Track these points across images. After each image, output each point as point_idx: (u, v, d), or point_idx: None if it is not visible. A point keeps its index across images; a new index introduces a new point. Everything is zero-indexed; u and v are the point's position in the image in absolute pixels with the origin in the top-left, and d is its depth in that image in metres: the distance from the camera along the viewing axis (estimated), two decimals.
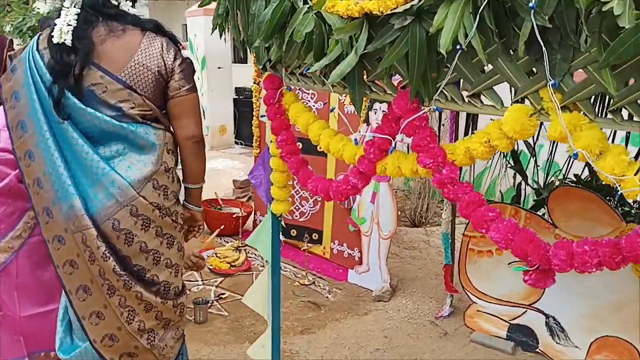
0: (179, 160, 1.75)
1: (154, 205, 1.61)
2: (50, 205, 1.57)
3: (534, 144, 2.82)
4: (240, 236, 3.92)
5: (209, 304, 2.94)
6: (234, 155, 6.97)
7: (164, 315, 1.71)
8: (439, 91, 1.18)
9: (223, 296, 3.12)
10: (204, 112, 7.83)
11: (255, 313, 2.93)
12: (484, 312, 2.77)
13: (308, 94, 3.56)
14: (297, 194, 3.73)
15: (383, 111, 3.06)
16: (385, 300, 3.10)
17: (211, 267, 3.46)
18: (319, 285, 3.32)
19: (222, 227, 3.90)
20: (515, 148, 2.93)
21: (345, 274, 3.43)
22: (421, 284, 3.32)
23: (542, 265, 1.03)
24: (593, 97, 1.10)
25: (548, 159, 2.84)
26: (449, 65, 1.13)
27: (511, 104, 1.07)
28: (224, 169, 6.25)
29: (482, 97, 1.16)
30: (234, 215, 3.94)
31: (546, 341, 2.55)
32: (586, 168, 2.66)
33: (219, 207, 4.22)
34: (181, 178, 1.78)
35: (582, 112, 0.99)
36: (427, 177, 1.26)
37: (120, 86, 1.55)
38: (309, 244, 3.45)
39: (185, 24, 7.82)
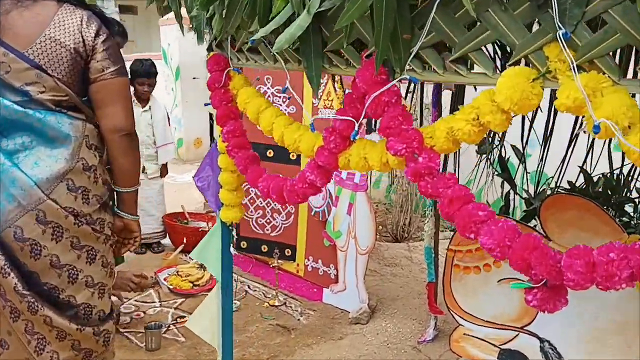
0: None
1: (68, 211, 1.32)
2: None
3: (523, 149, 2.58)
4: None
5: (164, 329, 2.61)
6: None
7: (82, 345, 1.40)
8: (412, 56, 0.92)
9: (181, 320, 2.79)
10: (175, 125, 7.53)
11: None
12: (472, 336, 2.49)
13: (280, 97, 3.29)
14: (268, 206, 3.44)
15: None
16: (362, 323, 2.80)
17: (171, 287, 3.13)
18: (291, 307, 3.01)
19: (184, 242, 3.59)
20: (503, 154, 2.70)
21: (320, 293, 3.13)
22: (402, 304, 3.03)
23: (551, 280, 0.76)
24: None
25: (538, 165, 2.60)
26: (425, 22, 0.88)
27: (507, 68, 0.81)
28: None
29: (469, 62, 0.90)
30: (200, 230, 3.63)
31: None
32: (581, 175, 2.43)
33: (185, 221, 3.91)
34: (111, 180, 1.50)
35: (602, 73, 0.74)
36: (399, 168, 0.99)
37: (27, 65, 1.27)
38: (279, 261, 3.15)
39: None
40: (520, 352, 2.34)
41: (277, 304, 3.01)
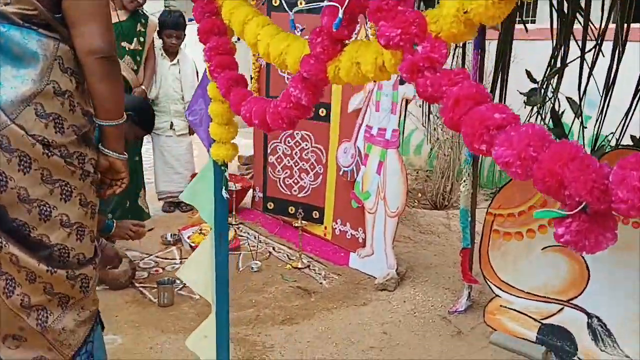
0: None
1: (37, 139, 1.17)
2: None
3: (580, 100, 2.24)
4: (234, 213, 3.49)
5: (177, 285, 2.51)
6: (246, 133, 6.54)
7: (55, 290, 1.27)
8: None
9: None
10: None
11: (230, 298, 2.51)
12: (510, 309, 2.24)
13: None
14: (295, 166, 3.26)
15: None
16: (389, 290, 2.60)
17: (193, 245, 3.03)
18: (314, 270, 2.84)
19: None
20: (556, 107, 2.37)
21: (347, 257, 2.94)
22: (436, 273, 2.80)
23: (593, 203, 0.52)
24: None
25: (598, 119, 2.26)
26: None
27: None
28: None
29: None
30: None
31: (587, 347, 2.00)
32: None
33: None
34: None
35: None
36: (393, 72, 0.77)
37: None
38: (303, 222, 2.97)
39: None
40: (564, 328, 2.07)
41: (300, 266, 2.85)
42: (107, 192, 1.47)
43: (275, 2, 3.07)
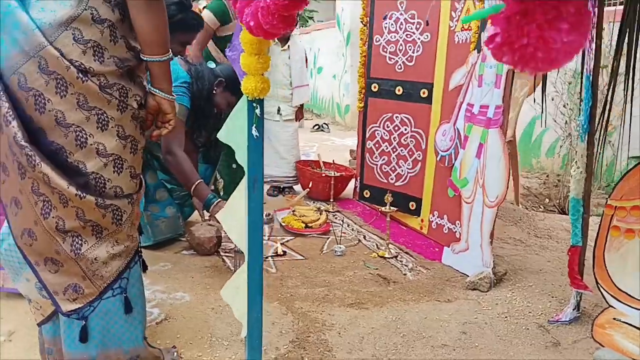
0: None
1: (72, 63, 1.21)
2: None
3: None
4: (331, 200, 3.41)
5: None
6: None
7: (86, 216, 1.29)
8: None
9: (281, 254, 2.65)
10: (344, 91, 7.50)
11: (302, 273, 2.42)
12: (625, 323, 1.80)
13: (413, 24, 2.87)
14: (393, 152, 3.07)
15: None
16: (481, 290, 2.28)
17: (284, 225, 3.02)
18: (401, 261, 2.62)
19: (310, 188, 3.45)
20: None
21: (441, 253, 2.67)
22: (544, 279, 2.39)
23: None
24: None
25: None
26: None
27: None
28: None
29: None
30: (323, 175, 3.44)
31: None
32: None
33: (318, 169, 3.76)
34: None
35: None
36: None
37: None
38: (391, 207, 2.76)
39: None
40: None
41: (387, 256, 2.66)
42: (155, 133, 1.48)
43: None
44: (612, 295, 1.86)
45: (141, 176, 1.46)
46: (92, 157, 1.29)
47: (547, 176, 4.22)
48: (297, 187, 3.84)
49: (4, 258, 1.44)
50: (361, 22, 3.16)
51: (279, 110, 3.68)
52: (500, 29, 0.36)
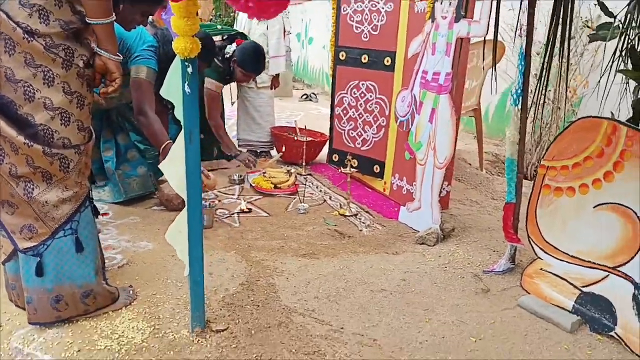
0: None
1: (19, 25, 1.33)
2: None
3: None
4: (303, 163, 3.55)
5: (215, 209, 2.66)
6: None
7: (35, 163, 1.44)
8: None
9: (247, 211, 2.80)
10: None
11: (263, 227, 2.57)
12: (550, 272, 1.96)
13: None
14: (360, 118, 3.19)
15: (450, 1, 2.35)
16: (428, 244, 2.44)
17: (253, 185, 3.17)
18: (360, 219, 2.78)
19: (283, 151, 3.59)
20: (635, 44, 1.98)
21: (399, 212, 2.82)
22: (489, 235, 2.55)
23: None
24: None
25: None
26: None
27: None
28: None
29: None
30: (296, 139, 3.57)
31: (628, 321, 1.68)
32: None
33: (293, 134, 3.89)
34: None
35: None
36: None
37: None
38: (352, 169, 2.90)
39: None
40: (605, 298, 1.77)
41: (347, 214, 2.81)
42: (101, 90, 1.61)
43: None
44: (540, 248, 2.01)
45: (91, 129, 1.59)
46: (40, 110, 1.42)
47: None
48: (274, 152, 3.97)
49: None
50: None
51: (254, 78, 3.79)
52: None
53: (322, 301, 1.91)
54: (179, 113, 1.47)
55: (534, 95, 2.02)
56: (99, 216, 2.07)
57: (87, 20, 1.46)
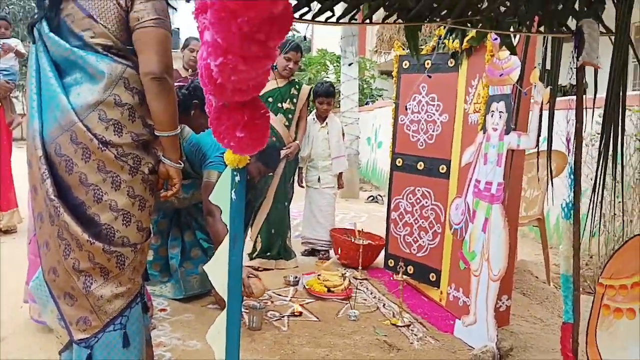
0: None
1: (97, 137, 1.54)
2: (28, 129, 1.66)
3: None
4: (359, 267, 3.54)
5: (266, 311, 2.68)
6: None
7: (96, 259, 1.58)
8: None
9: (297, 314, 2.80)
10: None
11: (311, 333, 2.54)
12: None
13: (433, 105, 3.08)
14: (415, 223, 3.19)
15: (500, 112, 2.41)
16: None
17: (307, 287, 3.18)
18: (413, 330, 2.67)
19: (339, 253, 3.62)
20: None
21: (454, 325, 2.69)
22: (551, 358, 2.34)
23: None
24: None
25: None
26: None
27: None
28: None
29: None
30: (358, 244, 3.59)
31: None
32: None
33: (352, 237, 3.93)
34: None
35: None
36: None
37: (83, 15, 1.58)
38: (404, 276, 2.85)
39: None
40: None
41: (399, 324, 2.72)
42: (162, 194, 1.78)
43: (405, 65, 3.22)
44: None
45: (150, 229, 1.74)
46: (105, 210, 1.59)
47: (591, 257, 4.06)
48: (333, 253, 4.01)
49: (36, 292, 1.76)
50: (394, 103, 3.43)
51: (319, 179, 3.98)
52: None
53: None
54: (225, 218, 1.58)
55: (594, 207, 1.95)
56: (154, 312, 2.17)
57: (156, 133, 1.66)
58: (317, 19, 1.42)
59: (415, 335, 2.62)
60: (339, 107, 7.83)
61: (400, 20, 1.47)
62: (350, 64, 7.46)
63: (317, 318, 2.79)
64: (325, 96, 3.92)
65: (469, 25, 1.70)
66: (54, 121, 1.56)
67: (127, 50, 1.61)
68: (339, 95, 7.77)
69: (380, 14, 1.48)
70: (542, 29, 1.71)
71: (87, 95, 1.56)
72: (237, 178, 1.53)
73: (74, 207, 1.57)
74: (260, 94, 3.56)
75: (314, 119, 4.01)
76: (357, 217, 5.90)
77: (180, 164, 1.76)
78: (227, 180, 1.56)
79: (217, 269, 1.63)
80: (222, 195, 1.59)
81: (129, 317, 1.67)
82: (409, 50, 3.28)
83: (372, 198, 7.52)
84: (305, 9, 1.39)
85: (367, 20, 1.48)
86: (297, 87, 3.73)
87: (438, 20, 1.55)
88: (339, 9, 1.40)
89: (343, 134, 4.10)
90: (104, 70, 1.56)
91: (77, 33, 1.58)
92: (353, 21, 1.52)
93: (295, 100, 3.71)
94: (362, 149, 9.42)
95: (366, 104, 10.72)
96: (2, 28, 4.35)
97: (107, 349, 1.64)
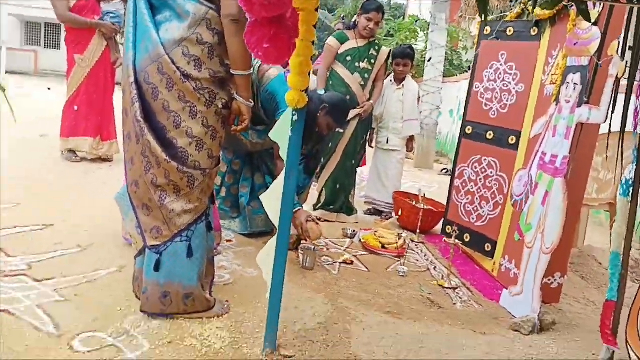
0: None
1: (177, 68, 1.74)
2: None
3: None
4: (417, 231, 3.61)
5: (320, 255, 2.86)
6: None
7: (171, 177, 1.80)
8: None
9: (349, 262, 2.95)
10: None
11: (358, 280, 2.68)
12: None
13: (510, 74, 3.01)
14: (477, 192, 3.19)
15: (575, 84, 2.34)
16: (522, 333, 2.31)
17: (362, 241, 3.32)
18: (459, 294, 2.74)
19: (399, 215, 3.70)
20: None
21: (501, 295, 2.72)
22: (594, 338, 2.28)
23: None
24: None
25: None
26: None
27: None
28: None
29: None
30: (414, 204, 3.66)
31: None
32: None
33: (414, 202, 3.99)
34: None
35: None
36: None
37: None
38: (456, 240, 2.89)
39: None
40: None
41: (446, 285, 2.80)
42: (233, 129, 1.97)
43: (486, 31, 3.15)
44: (637, 357, 1.81)
45: (219, 157, 1.94)
46: (182, 136, 1.81)
47: None
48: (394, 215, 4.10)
49: (120, 202, 2.04)
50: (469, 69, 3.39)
51: (387, 140, 4.04)
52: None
53: (389, 358, 1.95)
54: (283, 153, 1.74)
55: None
56: (221, 241, 2.41)
57: (231, 71, 1.84)
58: None
59: (460, 298, 2.69)
60: (423, 75, 7.70)
61: None
62: (438, 31, 7.28)
63: (367, 269, 2.93)
64: (402, 57, 3.93)
65: None
66: (145, 52, 1.78)
67: None
68: (424, 64, 7.64)
69: None
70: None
71: (174, 31, 1.76)
72: (295, 117, 1.68)
73: (156, 129, 1.80)
74: (340, 52, 3.69)
75: (390, 80, 4.05)
76: (427, 187, 5.90)
77: (251, 102, 1.93)
78: (288, 120, 1.71)
79: (272, 199, 1.80)
80: (281, 132, 1.74)
81: (194, 232, 1.90)
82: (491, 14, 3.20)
83: (445, 170, 7.42)
84: None
85: None
86: (376, 48, 3.77)
87: None
88: None
89: (419, 99, 4.10)
90: (190, 11, 1.74)
91: None
92: None
93: (373, 60, 3.76)
94: (444, 120, 9.24)
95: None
96: None
97: (174, 256, 1.89)
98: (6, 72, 15.41)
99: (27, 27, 21.97)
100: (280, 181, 1.78)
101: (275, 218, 1.79)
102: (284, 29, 1.05)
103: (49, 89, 12.32)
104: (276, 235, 1.78)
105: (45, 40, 21.98)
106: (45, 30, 21.89)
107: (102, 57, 4.54)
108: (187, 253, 1.89)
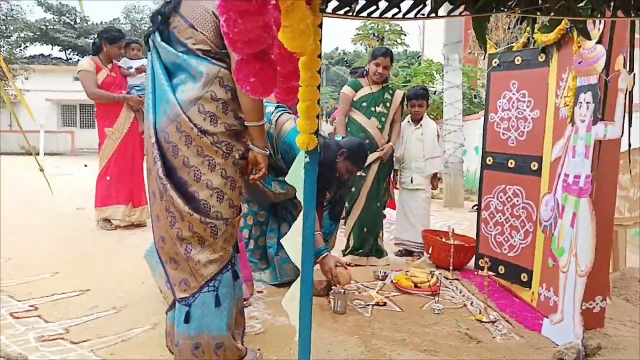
0: None
1: (194, 125, 1.84)
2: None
3: None
4: (451, 268, 3.55)
5: (352, 299, 2.82)
6: None
7: (194, 229, 1.86)
8: None
9: (381, 304, 2.91)
10: None
11: (392, 321, 2.63)
12: None
13: (524, 102, 3.03)
14: (506, 222, 3.14)
15: (587, 103, 2.34)
16: None
17: (394, 282, 3.27)
18: (497, 327, 2.65)
19: (429, 253, 3.65)
20: None
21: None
22: None
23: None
24: None
25: None
26: None
27: None
28: None
29: None
30: (448, 245, 3.60)
31: None
32: None
33: (444, 238, 3.94)
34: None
35: None
36: None
37: (187, 25, 1.90)
38: (489, 272, 2.82)
39: None
40: None
41: (484, 319, 2.71)
42: (251, 177, 2.03)
43: (495, 63, 3.21)
44: None
45: (240, 206, 2.00)
46: (203, 188, 1.88)
47: None
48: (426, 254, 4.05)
49: (149, 259, 2.10)
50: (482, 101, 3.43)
51: (411, 180, 4.06)
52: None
53: None
54: (299, 196, 1.78)
55: None
56: (254, 292, 2.42)
57: (245, 124, 1.93)
58: (383, 15, 1.56)
59: (500, 331, 2.59)
60: (442, 116, 7.77)
61: (467, 12, 1.55)
62: (452, 71, 7.40)
63: (401, 309, 2.88)
64: (416, 98, 4.01)
65: (538, 13, 1.74)
66: (164, 114, 1.89)
67: (222, 54, 1.90)
68: (443, 104, 7.72)
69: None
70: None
71: (189, 92, 1.87)
72: (307, 159, 1.73)
73: (178, 185, 1.88)
74: (355, 99, 3.78)
75: (408, 121, 4.12)
76: (457, 225, 5.81)
77: (266, 151, 2.00)
78: (301, 162, 1.76)
79: (292, 241, 1.83)
80: (296, 175, 1.79)
81: (221, 281, 1.93)
82: (496, 47, 3.28)
83: (476, 207, 7.31)
84: (373, 7, 1.55)
85: (433, 15, 1.59)
86: (390, 92, 3.87)
87: (506, 10, 1.62)
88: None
89: (438, 136, 4.14)
90: (203, 71, 1.86)
91: (182, 41, 1.91)
92: (419, 15, 1.64)
93: (388, 104, 3.85)
94: (469, 158, 9.20)
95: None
96: (135, 50, 5.08)
97: (202, 307, 1.91)
98: (45, 153, 16.30)
99: (63, 110, 23.32)
100: (298, 224, 1.81)
101: (297, 258, 1.81)
102: (268, 64, 1.14)
103: (85, 165, 12.90)
104: (300, 276, 1.79)
105: (80, 121, 23.24)
106: (80, 111, 23.19)
107: (130, 129, 4.79)
108: (215, 302, 1.91)
